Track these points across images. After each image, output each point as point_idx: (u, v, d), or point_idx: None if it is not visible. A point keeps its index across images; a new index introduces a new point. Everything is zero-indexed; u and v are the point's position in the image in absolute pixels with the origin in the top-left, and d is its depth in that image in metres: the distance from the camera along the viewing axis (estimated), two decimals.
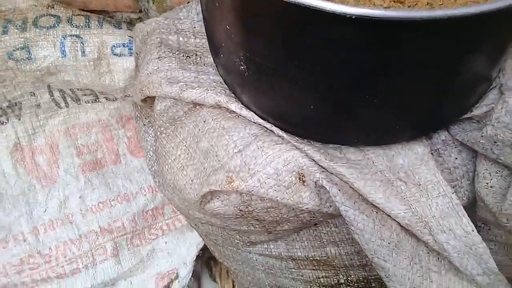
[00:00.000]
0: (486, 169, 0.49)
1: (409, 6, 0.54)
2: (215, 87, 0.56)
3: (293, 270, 0.63)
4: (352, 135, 0.49)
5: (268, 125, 0.52)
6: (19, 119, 0.96)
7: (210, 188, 0.50)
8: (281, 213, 0.52)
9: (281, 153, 0.49)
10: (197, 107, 0.58)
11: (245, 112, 0.53)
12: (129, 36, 0.89)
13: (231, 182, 0.49)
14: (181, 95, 0.57)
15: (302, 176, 0.49)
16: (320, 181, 0.48)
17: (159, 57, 0.60)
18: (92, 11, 0.95)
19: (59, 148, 0.98)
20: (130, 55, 0.89)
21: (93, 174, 0.99)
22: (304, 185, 0.49)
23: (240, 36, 0.44)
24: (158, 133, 0.60)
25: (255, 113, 0.53)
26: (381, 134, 0.49)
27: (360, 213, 0.47)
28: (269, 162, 0.49)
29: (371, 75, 0.41)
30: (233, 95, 0.55)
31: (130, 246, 1.00)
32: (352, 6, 0.35)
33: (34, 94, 0.95)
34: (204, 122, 0.55)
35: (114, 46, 0.89)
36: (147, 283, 1.00)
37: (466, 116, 0.51)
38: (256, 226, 0.55)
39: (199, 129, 0.55)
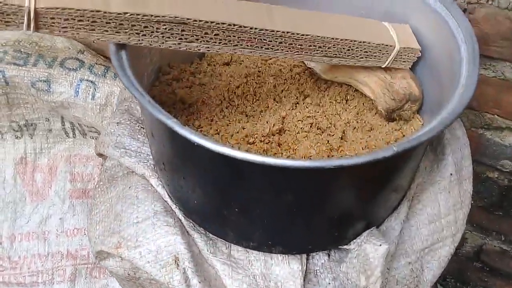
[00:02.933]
0: None
1: (328, 134, 0.60)
2: (147, 161, 0.64)
3: None
4: (229, 236, 0.54)
5: (173, 206, 0.59)
6: (31, 138, 1.09)
7: (102, 247, 0.57)
8: None
9: (167, 235, 0.55)
10: (133, 173, 0.66)
11: (160, 189, 0.60)
12: None
13: (118, 248, 0.56)
14: (119, 159, 0.65)
15: (178, 260, 0.54)
16: (187, 270, 0.53)
17: (118, 122, 0.69)
18: None
19: (56, 171, 1.10)
20: None
21: (78, 201, 1.09)
22: (177, 269, 0.54)
23: (147, 129, 0.52)
24: (97, 185, 0.68)
25: (166, 192, 0.60)
26: (256, 243, 0.54)
27: None
28: (154, 240, 0.55)
29: (232, 193, 0.47)
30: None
31: (88, 276, 1.08)
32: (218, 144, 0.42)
33: (48, 120, 1.08)
34: (129, 188, 0.63)
35: None
36: None
37: (345, 247, 0.55)
38: None
39: (123, 193, 0.63)
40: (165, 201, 0.60)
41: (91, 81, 1.01)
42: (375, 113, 0.63)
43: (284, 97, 0.66)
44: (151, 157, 0.65)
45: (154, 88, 0.62)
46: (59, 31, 0.46)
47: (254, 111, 0.64)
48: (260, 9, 0.53)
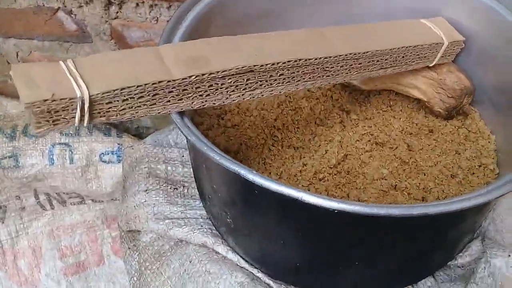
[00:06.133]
0: None
1: (391, 148, 0.56)
2: (201, 225, 0.56)
3: None
4: None
5: (255, 271, 0.52)
6: (3, 222, 0.94)
7: None
8: None
9: None
10: (183, 242, 0.57)
11: (231, 255, 0.53)
12: (118, 144, 0.89)
13: None
14: (167, 233, 0.56)
15: None
16: None
17: (146, 190, 0.60)
18: None
19: (41, 251, 0.96)
20: (119, 162, 0.89)
21: (75, 277, 0.96)
22: None
23: (225, 197, 0.45)
24: (143, 268, 0.59)
25: (241, 257, 0.53)
26: None
27: None
28: None
29: (357, 248, 0.41)
30: (219, 235, 0.55)
31: None
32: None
33: (19, 197, 0.94)
34: (190, 262, 0.55)
35: (103, 153, 0.89)
36: None
37: (450, 263, 0.52)
38: None
39: (185, 270, 0.55)
40: (242, 267, 0.53)
41: (65, 144, 0.89)
42: (425, 113, 0.60)
43: (326, 118, 0.60)
44: (202, 219, 0.58)
45: None
46: (117, 116, 0.37)
47: (301, 141, 0.58)
48: (314, 35, 0.48)
